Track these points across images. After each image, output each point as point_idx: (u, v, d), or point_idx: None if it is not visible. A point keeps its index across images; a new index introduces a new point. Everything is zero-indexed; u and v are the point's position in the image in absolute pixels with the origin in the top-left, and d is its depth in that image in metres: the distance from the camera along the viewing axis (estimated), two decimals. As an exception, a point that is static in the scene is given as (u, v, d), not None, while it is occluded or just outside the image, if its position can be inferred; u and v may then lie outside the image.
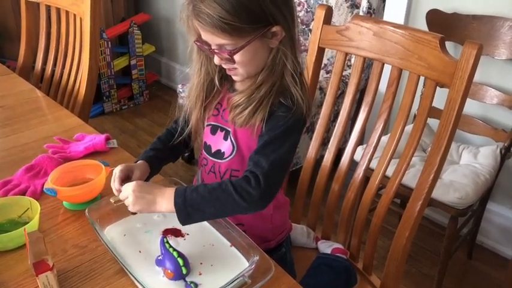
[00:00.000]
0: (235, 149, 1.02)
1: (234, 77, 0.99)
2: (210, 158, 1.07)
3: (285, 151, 0.93)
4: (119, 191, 0.95)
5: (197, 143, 1.12)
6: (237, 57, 0.91)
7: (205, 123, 1.07)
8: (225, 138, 1.03)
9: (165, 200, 0.88)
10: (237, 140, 1.02)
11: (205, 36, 0.91)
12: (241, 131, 1.00)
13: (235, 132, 1.01)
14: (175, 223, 0.97)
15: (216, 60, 0.95)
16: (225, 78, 1.03)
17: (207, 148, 1.07)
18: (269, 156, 0.91)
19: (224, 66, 0.96)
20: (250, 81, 0.98)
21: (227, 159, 1.04)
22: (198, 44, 0.95)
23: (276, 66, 0.95)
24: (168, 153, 1.12)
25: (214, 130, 1.05)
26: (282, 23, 0.91)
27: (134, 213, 0.94)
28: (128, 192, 0.90)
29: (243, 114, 0.95)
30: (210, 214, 0.90)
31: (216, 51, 0.92)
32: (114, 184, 0.97)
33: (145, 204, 0.89)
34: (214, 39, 0.90)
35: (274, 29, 0.91)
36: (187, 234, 0.95)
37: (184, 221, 0.88)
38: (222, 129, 1.04)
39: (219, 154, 1.05)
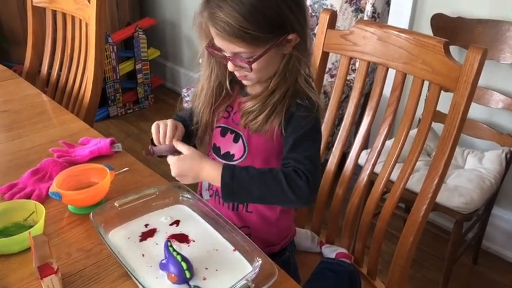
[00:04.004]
0: (247, 151, 1.02)
1: (244, 82, 1.00)
2: (219, 159, 1.07)
3: (316, 150, 0.95)
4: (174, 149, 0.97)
5: (203, 146, 1.13)
6: (254, 65, 0.92)
7: (215, 125, 1.07)
8: (235, 141, 1.04)
9: (210, 175, 0.91)
10: (250, 143, 1.02)
11: (221, 43, 0.91)
12: (256, 136, 1.00)
13: (249, 136, 1.01)
14: (182, 228, 0.98)
15: (230, 66, 0.95)
16: (235, 82, 1.04)
17: (216, 150, 1.07)
18: (304, 154, 0.92)
19: (237, 73, 0.96)
20: (261, 86, 0.99)
21: (237, 161, 1.04)
22: (209, 49, 0.95)
23: (289, 72, 0.95)
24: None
25: (224, 132, 1.06)
26: (298, 30, 0.92)
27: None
28: (171, 166, 0.94)
29: (257, 121, 0.96)
30: (255, 197, 0.91)
31: (230, 58, 0.92)
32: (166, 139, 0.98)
33: (190, 180, 0.94)
34: (231, 47, 0.90)
35: (290, 36, 0.91)
36: (194, 241, 0.95)
37: (227, 197, 0.91)
38: (232, 131, 1.04)
39: (228, 156, 1.05)
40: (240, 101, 1.02)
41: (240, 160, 1.04)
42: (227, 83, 1.02)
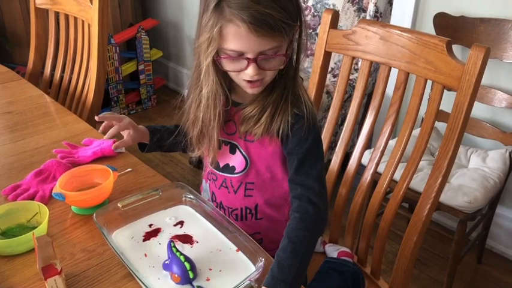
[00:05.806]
0: (249, 163, 1.00)
1: (253, 90, 0.91)
2: (219, 173, 1.05)
3: (321, 165, 0.94)
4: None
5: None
6: (282, 59, 0.86)
7: None
8: (232, 152, 1.01)
9: None
10: (250, 153, 0.99)
11: (250, 41, 0.81)
12: (255, 145, 0.98)
13: (247, 146, 0.99)
14: (187, 229, 0.98)
15: (252, 71, 0.85)
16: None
17: (215, 163, 1.05)
18: (311, 173, 0.91)
19: (255, 78, 0.87)
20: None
21: (240, 173, 1.02)
22: (220, 59, 0.86)
23: (285, 67, 0.91)
24: (169, 143, 1.13)
25: (218, 145, 1.03)
26: (301, 19, 0.89)
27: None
28: None
29: (261, 123, 0.92)
30: (307, 264, 0.88)
31: (257, 59, 0.83)
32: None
33: None
34: (263, 45, 0.82)
35: (296, 26, 0.88)
36: (197, 242, 0.95)
37: None
38: (227, 143, 1.02)
39: (228, 168, 1.03)
40: (230, 111, 0.98)
41: (244, 172, 1.01)
42: (229, 94, 0.95)
